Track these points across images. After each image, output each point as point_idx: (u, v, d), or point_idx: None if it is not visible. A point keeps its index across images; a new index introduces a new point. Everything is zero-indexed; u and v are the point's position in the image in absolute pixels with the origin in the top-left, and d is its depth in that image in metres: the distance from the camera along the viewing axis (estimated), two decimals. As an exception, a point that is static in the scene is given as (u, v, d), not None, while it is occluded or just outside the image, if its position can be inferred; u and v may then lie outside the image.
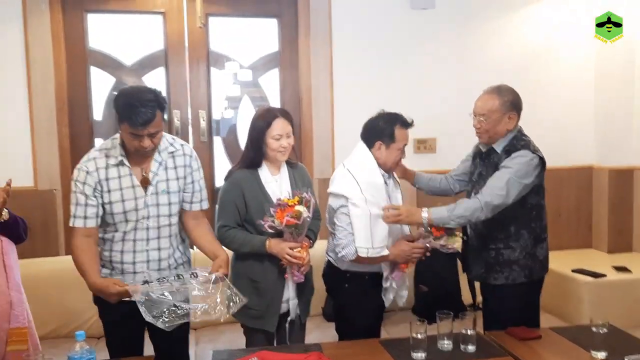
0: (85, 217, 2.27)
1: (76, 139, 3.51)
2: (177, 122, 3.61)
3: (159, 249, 2.37)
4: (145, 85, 2.20)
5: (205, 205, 2.47)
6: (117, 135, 2.31)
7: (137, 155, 2.29)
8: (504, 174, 2.42)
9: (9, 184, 2.09)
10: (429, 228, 2.46)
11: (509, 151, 2.50)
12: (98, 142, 3.62)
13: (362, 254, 2.41)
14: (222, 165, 3.78)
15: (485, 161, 2.60)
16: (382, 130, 2.51)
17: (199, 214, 2.46)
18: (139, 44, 3.64)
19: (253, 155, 2.48)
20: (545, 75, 3.89)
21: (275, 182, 2.51)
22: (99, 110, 3.62)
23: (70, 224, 2.28)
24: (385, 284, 2.56)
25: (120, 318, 2.36)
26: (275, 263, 2.45)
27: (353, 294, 2.56)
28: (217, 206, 2.54)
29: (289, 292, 2.53)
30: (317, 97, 3.66)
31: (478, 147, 2.68)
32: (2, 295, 2.16)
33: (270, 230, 2.38)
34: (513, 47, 3.86)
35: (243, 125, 3.81)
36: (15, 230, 2.22)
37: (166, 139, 2.38)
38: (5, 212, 2.15)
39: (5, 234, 2.20)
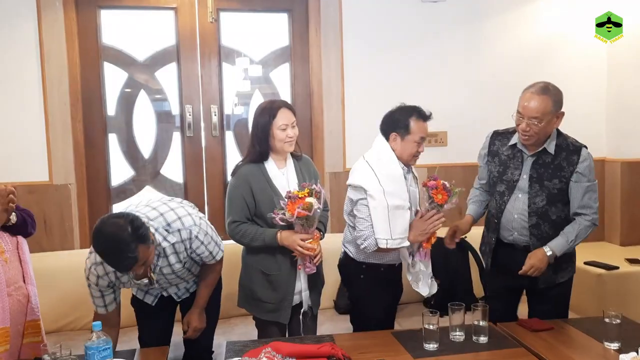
0: (106, 306, 2.32)
1: (90, 133, 3.55)
2: (189, 117, 3.64)
3: (175, 285, 2.53)
4: (118, 215, 2.10)
5: (219, 255, 2.49)
6: None
7: None
8: (591, 187, 2.50)
9: (12, 192, 2.10)
10: (432, 198, 2.47)
11: (561, 148, 2.48)
12: (112, 137, 3.66)
13: (382, 245, 2.41)
14: (234, 160, 3.77)
15: (536, 163, 2.51)
16: (398, 121, 2.49)
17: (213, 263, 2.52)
18: (151, 40, 3.66)
19: (259, 149, 2.49)
20: (556, 67, 3.87)
21: (282, 175, 2.52)
22: (112, 105, 3.66)
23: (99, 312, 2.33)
24: (413, 270, 2.55)
25: (152, 311, 2.52)
26: (287, 255, 2.47)
27: (368, 286, 2.57)
28: (226, 202, 2.56)
29: (301, 284, 2.55)
30: (328, 91, 3.67)
31: (515, 148, 2.56)
32: (20, 289, 2.20)
33: (281, 223, 2.40)
34: (524, 39, 3.84)
35: (255, 120, 3.83)
36: (24, 229, 2.27)
37: (161, 231, 2.25)
38: (13, 216, 2.18)
39: (15, 234, 2.25)
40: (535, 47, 3.85)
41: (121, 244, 1.98)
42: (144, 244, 2.05)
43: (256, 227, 2.48)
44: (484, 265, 2.78)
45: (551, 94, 2.42)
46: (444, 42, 3.76)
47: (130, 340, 2.87)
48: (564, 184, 2.48)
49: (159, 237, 2.23)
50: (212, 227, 2.45)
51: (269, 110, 2.47)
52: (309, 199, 2.35)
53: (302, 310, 2.58)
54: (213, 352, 2.72)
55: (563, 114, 2.45)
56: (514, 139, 2.56)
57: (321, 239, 2.53)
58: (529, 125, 2.40)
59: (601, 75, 3.93)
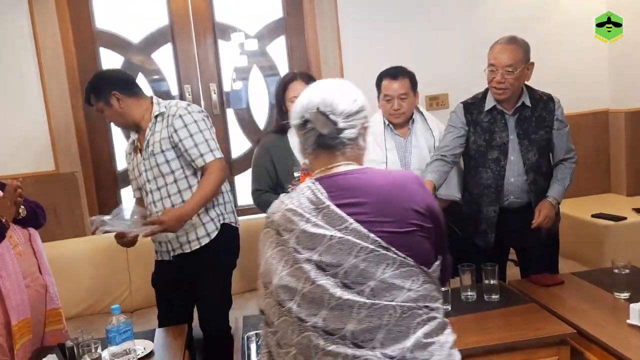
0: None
1: (92, 120, 3.54)
2: (188, 96, 3.63)
3: (173, 206, 2.51)
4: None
5: (202, 162, 2.47)
6: None
7: (135, 127, 2.59)
8: (568, 131, 2.58)
9: (19, 187, 2.12)
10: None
11: (536, 100, 2.51)
12: (113, 122, 3.66)
13: None
14: (237, 137, 3.80)
15: (519, 120, 2.51)
16: (376, 82, 2.65)
17: (207, 168, 2.48)
18: (145, 21, 3.63)
19: (280, 119, 2.53)
20: (555, 21, 3.81)
21: None
22: (111, 90, 3.65)
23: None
24: None
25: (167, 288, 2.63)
26: None
27: None
28: (251, 170, 2.63)
29: None
30: (325, 61, 3.64)
31: (494, 111, 2.53)
32: (37, 280, 2.24)
33: None
34: (521, -6, 3.78)
35: (254, 96, 3.82)
36: (34, 220, 2.30)
37: (162, 105, 2.55)
38: (22, 209, 2.21)
39: (26, 226, 2.28)
40: (532, 3, 3.79)
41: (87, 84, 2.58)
42: (94, 94, 2.51)
43: (276, 197, 2.50)
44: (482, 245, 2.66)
45: (520, 43, 2.46)
46: (441, 3, 3.70)
47: (148, 322, 2.93)
48: (549, 134, 2.53)
49: (162, 106, 2.54)
50: (214, 134, 2.55)
51: (281, 83, 2.52)
52: None
53: None
54: (231, 328, 2.77)
55: (533, 64, 2.48)
56: (489, 103, 2.53)
57: None
58: (503, 77, 2.40)
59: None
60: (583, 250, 3.35)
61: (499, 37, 2.55)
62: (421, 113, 2.69)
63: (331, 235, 1.30)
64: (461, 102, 2.64)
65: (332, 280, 1.29)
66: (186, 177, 2.52)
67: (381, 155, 2.57)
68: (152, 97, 2.61)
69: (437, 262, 1.38)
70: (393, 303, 1.28)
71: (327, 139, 1.40)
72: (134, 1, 3.65)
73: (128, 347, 1.95)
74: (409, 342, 1.28)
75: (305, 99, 1.42)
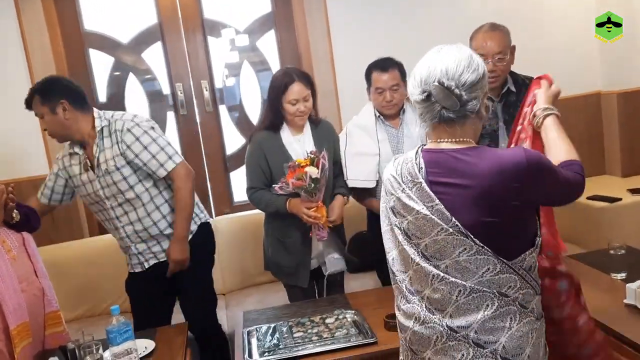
0: (42, 192, 2.63)
1: (84, 122, 3.53)
2: (180, 95, 3.62)
3: (131, 223, 2.50)
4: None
5: (163, 172, 2.48)
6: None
7: (78, 142, 2.49)
8: None
9: (11, 192, 2.13)
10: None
11: (519, 84, 2.49)
12: (106, 123, 3.65)
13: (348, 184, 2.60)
14: (231, 134, 3.80)
15: (505, 106, 2.51)
16: (366, 75, 2.63)
17: (171, 176, 2.48)
18: (133, 21, 3.61)
19: (272, 116, 2.51)
20: (546, 3, 3.81)
21: (298, 142, 2.54)
22: (102, 91, 3.64)
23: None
24: None
25: (145, 297, 2.54)
26: (300, 222, 2.50)
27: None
28: (245, 167, 2.60)
29: (318, 248, 2.59)
30: (316, 54, 3.63)
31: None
32: (33, 283, 2.24)
33: (280, 192, 2.43)
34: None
35: (246, 92, 3.81)
36: (27, 225, 2.30)
37: (105, 118, 2.48)
38: (15, 213, 2.21)
39: (20, 230, 2.27)
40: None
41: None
42: (40, 96, 2.41)
43: (270, 194, 2.52)
44: None
45: (503, 29, 2.44)
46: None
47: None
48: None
49: (104, 120, 2.48)
50: (168, 139, 2.54)
51: (280, 83, 2.46)
52: (307, 168, 2.36)
53: (326, 274, 2.63)
54: (221, 325, 2.79)
55: (515, 47, 2.47)
56: None
57: (346, 203, 2.60)
58: (495, 65, 2.39)
59: (590, 5, 3.87)
60: (579, 232, 3.36)
61: (491, 21, 2.53)
62: (411, 103, 2.68)
63: (419, 210, 1.38)
64: None
65: (414, 248, 1.41)
66: (147, 189, 2.49)
67: (374, 147, 2.57)
68: (93, 111, 2.52)
69: (524, 255, 1.38)
70: (464, 282, 1.35)
71: (449, 112, 1.38)
72: (122, 1, 3.63)
73: (129, 346, 1.96)
74: (475, 323, 1.35)
75: (425, 71, 1.40)
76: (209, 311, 2.71)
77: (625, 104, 3.80)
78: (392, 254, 1.48)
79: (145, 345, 2.19)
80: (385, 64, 2.56)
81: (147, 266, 2.55)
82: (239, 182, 3.68)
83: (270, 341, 2.11)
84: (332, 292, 2.67)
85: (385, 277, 2.76)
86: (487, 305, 1.35)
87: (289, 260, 2.56)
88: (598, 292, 2.12)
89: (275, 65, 3.74)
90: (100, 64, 3.60)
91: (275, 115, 2.50)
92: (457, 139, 1.41)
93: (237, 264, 2.90)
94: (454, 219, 1.34)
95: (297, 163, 2.40)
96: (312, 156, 2.41)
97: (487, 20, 2.55)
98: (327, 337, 2.07)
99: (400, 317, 1.50)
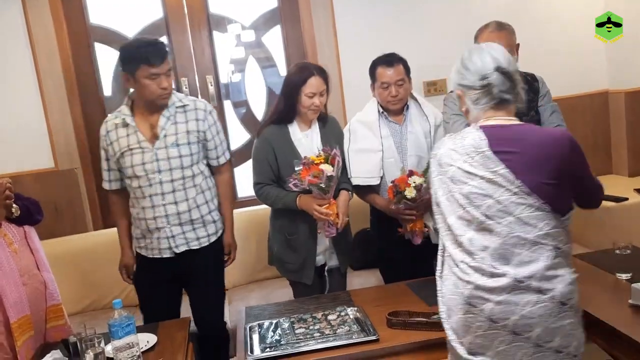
0: (110, 181, 2.56)
1: (89, 116, 3.53)
2: (185, 89, 3.61)
3: (175, 202, 2.45)
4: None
5: (223, 160, 2.61)
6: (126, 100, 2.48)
7: (147, 110, 2.42)
8: (555, 107, 2.49)
9: (9, 188, 2.12)
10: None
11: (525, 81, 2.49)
12: (111, 117, 3.65)
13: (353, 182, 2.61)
14: (235, 129, 3.80)
15: None
16: (370, 71, 2.63)
17: (221, 168, 2.61)
18: (139, 15, 3.61)
19: (285, 110, 2.50)
20: (551, 4, 3.78)
21: (306, 138, 2.54)
22: (107, 85, 3.64)
23: (103, 186, 2.61)
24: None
25: (155, 285, 2.48)
26: (307, 219, 2.49)
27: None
28: (252, 163, 2.60)
29: (325, 245, 2.58)
30: (322, 50, 3.61)
31: None
32: (35, 277, 2.24)
33: (295, 189, 2.42)
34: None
35: (251, 87, 3.80)
36: (29, 218, 2.29)
37: (176, 96, 2.48)
38: (15, 208, 2.20)
39: (22, 224, 2.27)
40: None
41: (149, 37, 2.63)
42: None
43: (278, 190, 2.51)
44: None
45: (508, 28, 2.43)
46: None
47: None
48: (539, 114, 2.49)
49: (176, 96, 2.48)
50: None
51: (301, 74, 2.47)
52: (322, 166, 2.36)
53: (326, 269, 2.63)
54: (226, 323, 2.79)
55: (519, 45, 2.46)
56: None
57: (350, 199, 2.58)
58: None
59: (598, 6, 3.84)
60: (585, 231, 3.34)
61: (497, 19, 2.52)
62: (415, 99, 2.67)
63: (482, 175, 1.59)
64: (451, 91, 2.63)
65: (476, 210, 1.60)
66: (201, 172, 2.50)
67: (377, 143, 2.55)
68: None
69: (570, 212, 1.64)
70: (526, 236, 1.56)
71: (504, 95, 1.66)
72: (128, -6, 3.63)
73: (131, 340, 1.95)
74: (537, 272, 1.56)
75: (479, 62, 1.67)
76: (222, 308, 2.72)
77: (633, 103, 3.77)
78: (451, 219, 1.65)
79: (147, 339, 2.18)
80: (390, 59, 2.56)
81: (177, 252, 2.48)
82: (243, 177, 3.67)
83: (272, 337, 2.10)
84: (333, 285, 2.66)
85: (388, 274, 2.77)
86: (547, 257, 1.56)
87: (295, 257, 2.55)
88: (603, 292, 2.11)
89: (280, 61, 3.73)
90: (106, 58, 3.60)
91: (288, 108, 2.49)
92: (509, 117, 1.68)
93: (241, 259, 2.89)
94: (517, 181, 1.56)
95: (310, 160, 2.39)
96: (326, 154, 2.41)
97: (494, 18, 2.53)
98: (328, 334, 2.07)
99: (461, 275, 1.63)
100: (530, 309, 1.55)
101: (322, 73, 2.49)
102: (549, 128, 1.53)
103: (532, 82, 2.50)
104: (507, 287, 1.56)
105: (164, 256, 2.50)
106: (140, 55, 2.31)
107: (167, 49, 2.42)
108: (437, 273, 1.75)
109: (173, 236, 2.47)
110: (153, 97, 2.37)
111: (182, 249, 2.49)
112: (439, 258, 1.75)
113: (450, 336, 1.68)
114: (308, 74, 2.44)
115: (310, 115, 2.50)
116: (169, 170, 2.42)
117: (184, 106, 2.47)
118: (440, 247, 1.75)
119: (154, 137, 2.41)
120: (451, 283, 1.67)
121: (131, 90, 2.49)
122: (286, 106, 2.50)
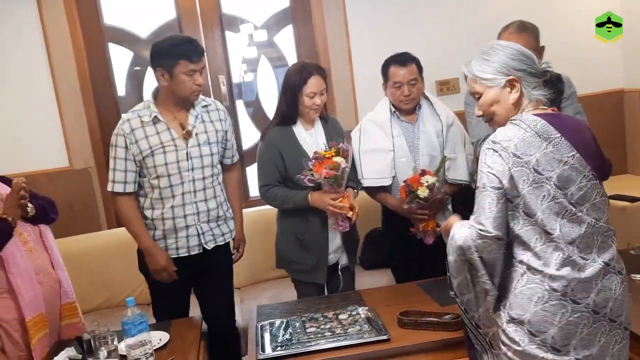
0: (126, 182, 2.39)
1: (103, 116, 3.57)
2: (198, 89, 3.62)
3: (206, 200, 2.46)
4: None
5: (236, 158, 2.68)
6: (146, 99, 2.46)
7: (174, 107, 2.41)
8: (575, 107, 2.48)
9: (24, 188, 2.14)
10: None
11: (547, 82, 2.44)
12: (124, 117, 3.68)
13: (362, 183, 2.61)
14: (247, 129, 3.81)
15: None
16: (382, 71, 2.62)
17: (232, 167, 2.68)
18: (152, 15, 3.64)
19: (287, 111, 2.51)
20: (565, 3, 3.75)
21: (311, 137, 2.55)
22: (121, 85, 3.67)
23: (109, 189, 2.40)
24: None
25: (172, 284, 2.48)
26: (318, 217, 2.49)
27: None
28: (256, 166, 2.60)
29: (337, 243, 2.58)
30: (333, 49, 3.62)
31: None
32: (50, 275, 2.27)
33: (310, 184, 2.42)
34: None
35: (263, 87, 3.81)
36: (44, 217, 2.32)
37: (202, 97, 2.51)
38: (30, 208, 2.22)
39: (37, 223, 2.29)
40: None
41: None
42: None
43: (286, 190, 2.51)
44: None
45: (530, 30, 2.40)
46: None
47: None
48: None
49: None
50: None
51: (300, 75, 2.46)
52: (336, 159, 2.37)
53: (340, 267, 2.62)
54: (235, 321, 2.79)
55: (543, 48, 2.43)
56: None
57: (355, 196, 2.58)
58: None
59: (615, 4, 3.80)
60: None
61: (509, 17, 2.49)
62: (427, 98, 2.66)
63: (566, 161, 1.58)
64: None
65: (563, 198, 1.58)
66: (220, 171, 2.55)
67: (388, 143, 2.55)
68: None
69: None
70: (600, 223, 1.61)
71: (548, 89, 1.73)
72: (141, -5, 3.66)
73: (144, 338, 1.97)
74: (615, 255, 1.63)
75: (528, 53, 1.72)
76: (230, 307, 2.72)
77: (649, 102, 3.73)
78: (538, 215, 1.59)
79: (160, 337, 2.20)
80: (403, 59, 2.55)
81: (207, 248, 2.48)
82: (254, 177, 3.67)
83: (283, 336, 2.11)
84: (344, 284, 2.65)
85: (399, 274, 2.76)
86: (614, 240, 1.64)
87: (308, 257, 2.54)
88: (617, 292, 2.08)
89: (292, 61, 3.73)
90: (119, 58, 3.63)
91: (290, 109, 2.50)
92: (549, 108, 1.72)
93: (250, 258, 2.91)
94: (589, 166, 1.60)
95: (321, 155, 2.40)
96: (337, 147, 2.42)
97: (509, 17, 2.51)
98: (340, 333, 2.07)
99: (553, 272, 1.58)
100: (620, 292, 1.61)
101: (321, 72, 2.49)
102: (576, 117, 1.56)
103: (555, 83, 2.47)
104: (599, 274, 1.58)
105: (192, 253, 2.48)
106: (180, 51, 2.30)
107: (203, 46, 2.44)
108: (512, 292, 1.63)
109: (203, 233, 2.47)
110: (187, 94, 2.36)
111: (212, 245, 2.50)
112: (514, 275, 1.64)
113: (541, 354, 1.58)
114: (308, 74, 2.45)
115: (312, 114, 2.51)
116: (201, 168, 2.43)
117: (206, 106, 2.50)
118: (507, 265, 1.65)
119: (187, 135, 2.41)
120: (536, 294, 1.58)
121: (153, 87, 2.48)
122: (288, 107, 2.50)
